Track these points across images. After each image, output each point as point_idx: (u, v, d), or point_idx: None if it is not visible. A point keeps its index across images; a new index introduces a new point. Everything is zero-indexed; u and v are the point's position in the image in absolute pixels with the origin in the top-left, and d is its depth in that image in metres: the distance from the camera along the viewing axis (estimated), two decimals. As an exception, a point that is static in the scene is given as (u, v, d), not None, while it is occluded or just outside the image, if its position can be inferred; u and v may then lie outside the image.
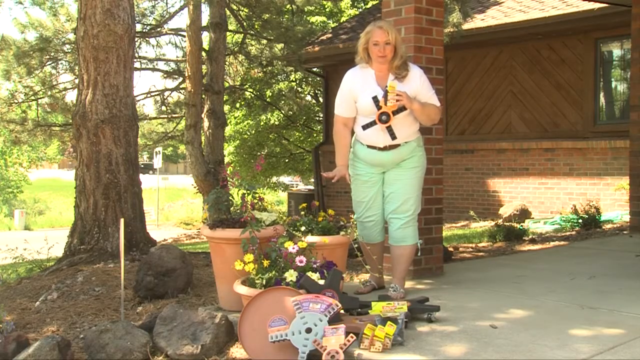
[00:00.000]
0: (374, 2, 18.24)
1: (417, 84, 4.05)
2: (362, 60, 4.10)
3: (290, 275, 3.42)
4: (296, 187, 22.07)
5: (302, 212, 4.36)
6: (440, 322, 3.51)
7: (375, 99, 3.96)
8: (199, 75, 11.54)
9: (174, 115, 15.97)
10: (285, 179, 24.44)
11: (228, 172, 4.06)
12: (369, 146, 4.11)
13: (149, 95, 15.29)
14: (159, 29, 14.25)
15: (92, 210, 5.46)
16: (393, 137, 4.01)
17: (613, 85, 10.89)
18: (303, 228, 4.17)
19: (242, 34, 14.79)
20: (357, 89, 4.06)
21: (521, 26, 10.61)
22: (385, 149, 4.06)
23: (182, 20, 41.11)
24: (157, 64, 15.00)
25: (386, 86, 3.95)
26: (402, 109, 3.94)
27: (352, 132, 4.24)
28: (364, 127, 4.06)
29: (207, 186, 11.37)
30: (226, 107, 16.60)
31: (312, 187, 17.64)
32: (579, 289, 4.36)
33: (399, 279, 4.17)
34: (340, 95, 4.16)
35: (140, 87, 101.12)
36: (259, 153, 19.56)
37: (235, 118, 19.58)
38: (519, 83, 11.41)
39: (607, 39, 10.56)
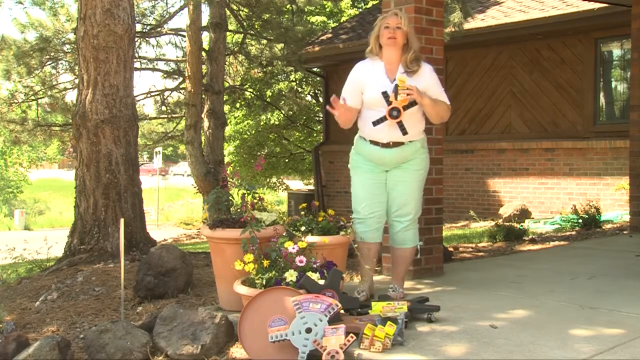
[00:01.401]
0: (374, 2, 18.24)
1: (427, 80, 3.98)
2: (372, 52, 4.02)
3: (290, 275, 3.42)
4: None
5: (302, 212, 4.36)
6: (440, 322, 3.51)
7: (385, 94, 3.86)
8: (199, 75, 11.54)
9: (174, 115, 15.97)
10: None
11: (228, 172, 4.06)
12: (372, 142, 4.00)
13: (149, 95, 15.30)
14: (159, 29, 14.25)
15: (92, 210, 5.47)
16: (404, 132, 3.90)
17: (613, 85, 10.89)
18: (303, 228, 4.16)
19: (242, 34, 14.79)
20: (366, 80, 3.97)
21: (521, 26, 10.61)
22: (388, 145, 3.95)
23: (182, 20, 41.11)
24: (157, 64, 15.01)
25: (395, 79, 3.88)
26: (412, 104, 3.85)
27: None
28: (375, 123, 3.92)
29: (207, 186, 11.38)
30: (226, 107, 16.60)
31: (312, 187, 17.65)
32: (579, 289, 4.36)
33: (399, 280, 4.16)
34: (347, 85, 4.05)
35: (140, 87, 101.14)
36: (259, 153, 19.55)
37: (235, 118, 19.58)
38: (519, 83, 11.41)
39: (607, 39, 10.57)
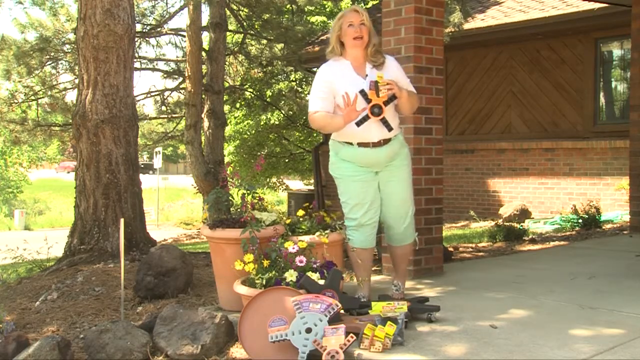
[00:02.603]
0: (374, 2, 18.24)
1: (396, 72, 3.91)
2: (333, 51, 3.90)
3: (290, 275, 3.43)
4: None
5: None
6: (440, 322, 3.51)
7: (362, 92, 3.70)
8: (199, 75, 11.54)
9: (174, 115, 15.97)
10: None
11: (228, 172, 4.06)
12: (360, 144, 3.83)
13: (149, 95, 15.29)
14: (159, 29, 14.25)
15: (92, 210, 5.47)
16: (389, 128, 3.79)
17: (613, 85, 10.89)
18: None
19: (242, 34, 14.79)
20: (337, 82, 3.79)
21: (521, 26, 10.62)
22: (379, 144, 3.82)
23: (182, 20, 41.06)
24: (157, 64, 15.01)
25: (366, 75, 3.80)
26: (391, 98, 3.76)
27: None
28: (358, 124, 3.76)
29: (207, 186, 11.38)
30: (226, 107, 16.59)
31: (312, 187, 17.65)
32: (579, 289, 4.36)
33: (402, 277, 4.13)
34: (316, 89, 3.84)
35: (140, 87, 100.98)
36: (259, 153, 19.56)
37: (235, 118, 19.57)
38: (519, 83, 11.41)
39: (607, 39, 10.57)
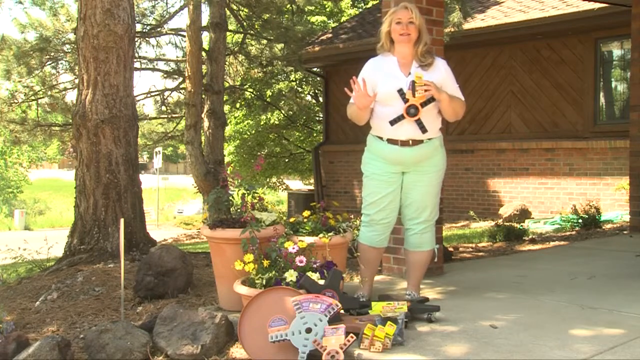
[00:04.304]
0: (374, 2, 18.25)
1: (443, 74, 3.83)
2: (383, 47, 3.86)
3: (290, 275, 3.43)
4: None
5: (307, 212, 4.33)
6: (440, 322, 3.51)
7: (400, 91, 3.66)
8: (199, 75, 11.53)
9: (174, 115, 15.97)
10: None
11: (228, 172, 4.06)
12: (389, 140, 3.78)
13: (149, 95, 15.29)
14: (159, 29, 14.24)
15: (92, 210, 5.47)
16: (424, 130, 3.71)
17: (613, 85, 10.89)
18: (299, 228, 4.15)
19: (242, 34, 14.79)
20: (379, 76, 3.77)
21: (521, 26, 10.62)
22: (407, 143, 3.75)
23: (182, 20, 41.11)
24: (157, 64, 14.99)
25: (410, 74, 3.73)
26: (430, 100, 3.68)
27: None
28: (392, 123, 3.70)
29: (207, 186, 11.37)
30: (226, 107, 16.60)
31: (312, 187, 17.66)
32: (579, 289, 4.36)
33: (415, 286, 4.00)
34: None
35: (140, 87, 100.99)
36: (259, 153, 19.57)
37: (235, 118, 19.59)
38: (519, 83, 11.42)
39: (607, 39, 10.57)
